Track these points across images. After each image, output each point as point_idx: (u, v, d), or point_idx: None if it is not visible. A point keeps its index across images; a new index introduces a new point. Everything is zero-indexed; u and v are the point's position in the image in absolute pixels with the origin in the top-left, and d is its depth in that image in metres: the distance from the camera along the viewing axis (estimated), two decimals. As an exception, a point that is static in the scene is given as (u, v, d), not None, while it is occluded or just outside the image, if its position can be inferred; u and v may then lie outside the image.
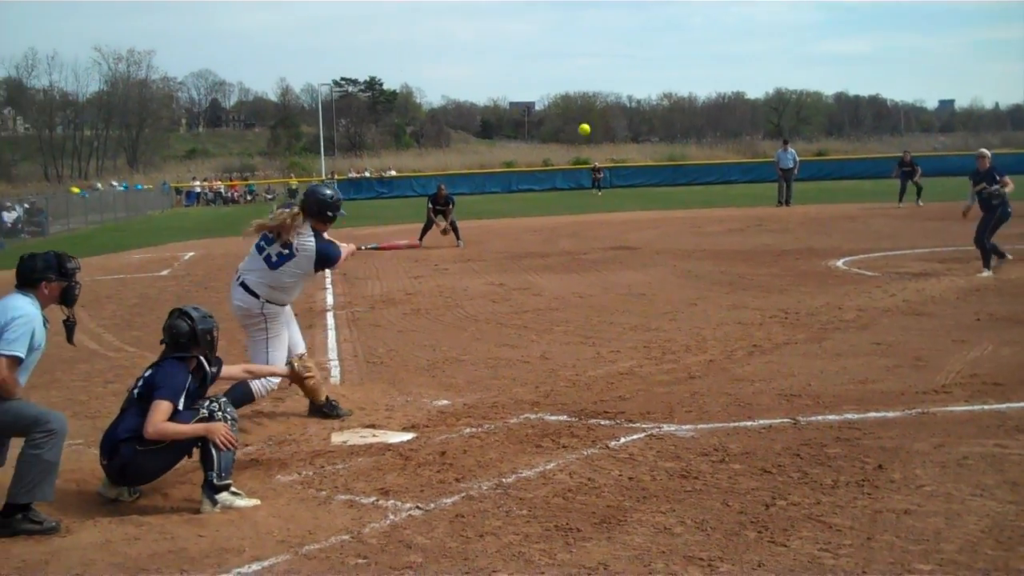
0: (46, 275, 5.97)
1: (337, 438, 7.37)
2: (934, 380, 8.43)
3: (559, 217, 33.92)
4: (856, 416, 7.38)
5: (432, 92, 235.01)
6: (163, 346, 6.38)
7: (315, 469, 6.62)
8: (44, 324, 5.94)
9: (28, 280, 5.97)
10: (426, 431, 7.43)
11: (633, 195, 50.13)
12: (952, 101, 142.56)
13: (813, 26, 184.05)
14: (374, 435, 7.39)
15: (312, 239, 7.65)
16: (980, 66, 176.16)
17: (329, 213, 7.81)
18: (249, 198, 64.19)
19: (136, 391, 6.15)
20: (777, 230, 24.95)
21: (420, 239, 23.57)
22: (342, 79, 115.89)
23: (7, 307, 5.81)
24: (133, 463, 5.97)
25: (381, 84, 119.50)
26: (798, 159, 35.98)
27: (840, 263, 17.20)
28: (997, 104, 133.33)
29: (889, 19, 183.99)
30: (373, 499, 5.94)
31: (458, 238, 23.58)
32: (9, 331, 5.69)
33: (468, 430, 7.37)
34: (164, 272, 20.71)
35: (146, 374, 6.22)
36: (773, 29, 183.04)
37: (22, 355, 5.73)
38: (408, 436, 7.32)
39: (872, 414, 7.44)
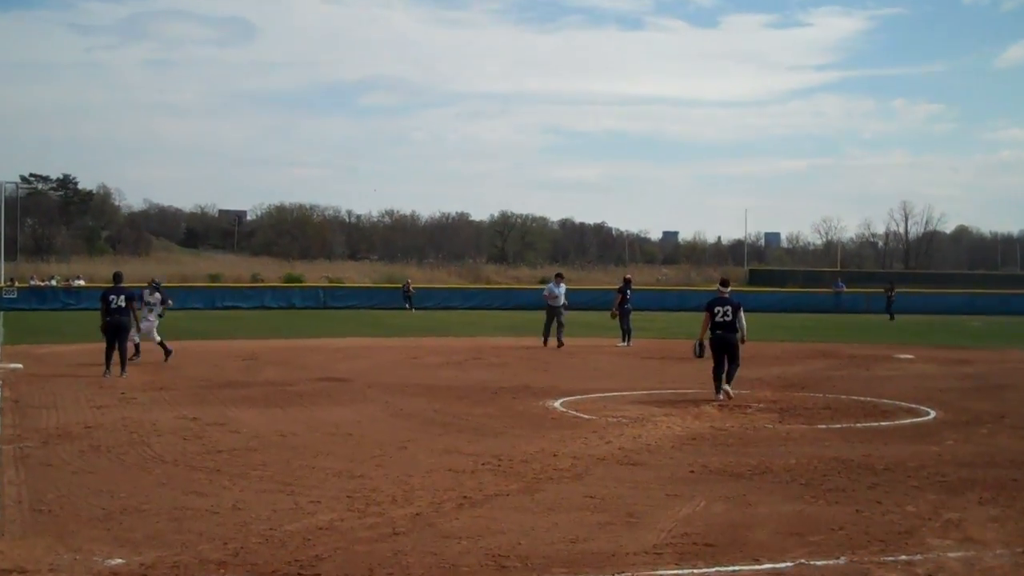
0: None
1: (-13, 606, 6.87)
2: (645, 539, 8.66)
3: (267, 341, 33.49)
4: (565, 581, 7.49)
5: (133, 194, 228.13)
6: None
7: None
8: None
9: None
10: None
11: (348, 318, 50.14)
12: (676, 233, 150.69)
13: (541, 150, 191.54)
14: (32, 602, 6.93)
15: None
16: (703, 200, 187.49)
17: None
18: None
19: None
20: (495, 364, 25.44)
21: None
22: (31, 175, 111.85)
23: None
24: None
25: (76, 183, 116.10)
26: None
27: (557, 404, 17.64)
28: (719, 238, 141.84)
29: (616, 149, 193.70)
30: None
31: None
32: None
33: (142, 596, 7.02)
34: None
35: None
36: (499, 151, 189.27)
37: None
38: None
39: (581, 578, 7.56)
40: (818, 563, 8.03)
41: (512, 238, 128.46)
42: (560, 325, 32.03)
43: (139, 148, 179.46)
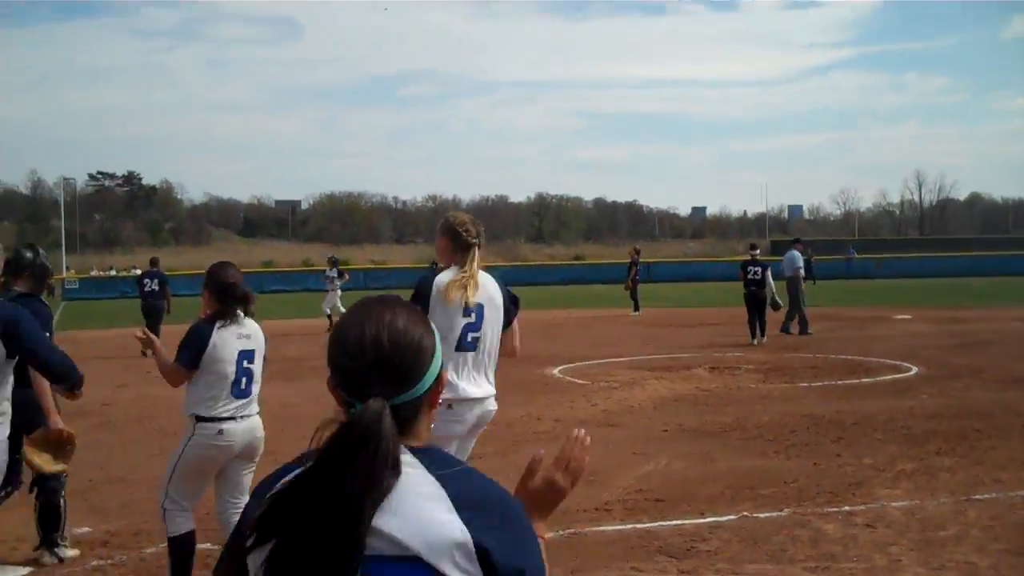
0: None
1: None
2: (599, 497, 8.39)
3: (295, 321, 33.38)
4: (507, 538, 7.22)
5: (194, 188, 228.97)
6: None
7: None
8: None
9: None
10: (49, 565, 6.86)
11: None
12: (704, 208, 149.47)
13: (573, 133, 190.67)
14: (-11, 571, 6.78)
15: None
16: (728, 177, 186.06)
17: None
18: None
19: None
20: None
21: None
22: (99, 172, 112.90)
23: None
24: None
25: (140, 179, 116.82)
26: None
27: (556, 371, 17.33)
28: (745, 212, 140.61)
29: (644, 129, 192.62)
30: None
31: None
32: None
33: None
34: None
35: None
36: (534, 135, 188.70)
37: None
38: (25, 571, 6.73)
39: (525, 536, 7.29)
40: (761, 515, 7.74)
41: (548, 218, 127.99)
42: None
43: (198, 144, 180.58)
